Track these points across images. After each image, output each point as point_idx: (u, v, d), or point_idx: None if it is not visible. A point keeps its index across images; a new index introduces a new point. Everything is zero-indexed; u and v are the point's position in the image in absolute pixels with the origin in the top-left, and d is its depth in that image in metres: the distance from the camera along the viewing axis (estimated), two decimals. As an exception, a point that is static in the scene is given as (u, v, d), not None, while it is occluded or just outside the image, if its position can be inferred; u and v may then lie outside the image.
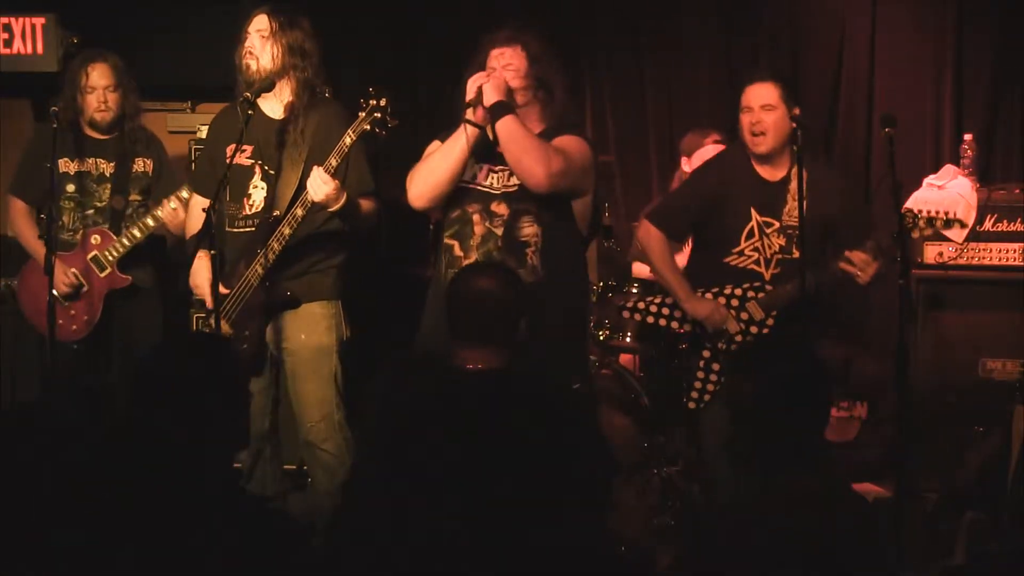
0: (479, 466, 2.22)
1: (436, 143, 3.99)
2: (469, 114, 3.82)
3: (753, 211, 4.23)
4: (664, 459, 5.02)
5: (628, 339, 5.21)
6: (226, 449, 2.55)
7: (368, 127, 3.95)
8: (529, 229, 3.85)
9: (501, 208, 3.86)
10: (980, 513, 4.29)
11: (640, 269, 5.27)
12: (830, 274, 4.14)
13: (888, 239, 4.11)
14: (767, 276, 4.23)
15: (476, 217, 3.88)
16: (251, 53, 4.18)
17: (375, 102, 3.94)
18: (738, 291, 4.23)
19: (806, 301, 4.08)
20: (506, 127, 3.78)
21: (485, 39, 3.97)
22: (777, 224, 4.21)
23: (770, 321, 4.20)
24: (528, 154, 3.77)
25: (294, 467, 4.80)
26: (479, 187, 3.90)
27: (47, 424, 2.36)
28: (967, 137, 5.30)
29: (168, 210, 4.63)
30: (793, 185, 4.15)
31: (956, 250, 5.10)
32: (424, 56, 6.13)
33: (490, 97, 3.79)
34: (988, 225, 5.11)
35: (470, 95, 3.81)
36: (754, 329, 4.21)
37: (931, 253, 5.12)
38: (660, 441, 5.08)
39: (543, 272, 3.83)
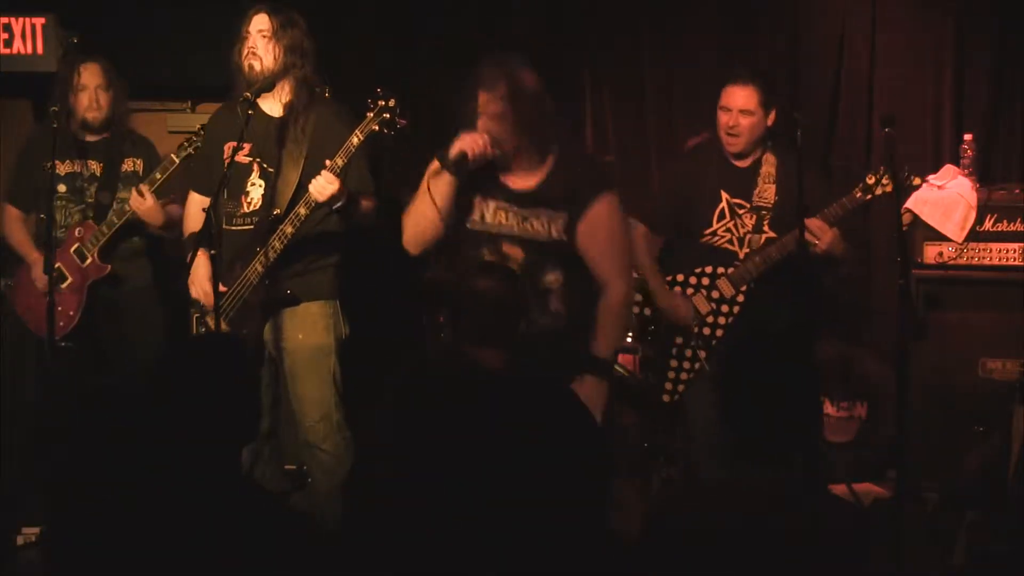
0: (483, 465, 2.22)
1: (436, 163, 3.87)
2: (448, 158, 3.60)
3: (723, 193, 4.35)
4: (664, 459, 5.01)
5: (628, 339, 5.20)
6: (236, 447, 2.56)
7: (376, 127, 3.96)
8: (551, 276, 3.72)
9: (515, 251, 3.72)
10: (980, 513, 4.29)
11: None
12: (797, 245, 4.13)
13: (838, 211, 4.23)
14: (741, 255, 4.34)
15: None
16: (254, 54, 4.18)
17: (383, 103, 3.94)
18: (708, 269, 4.35)
19: (776, 270, 4.23)
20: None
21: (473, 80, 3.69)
22: (748, 205, 4.34)
23: (740, 297, 4.30)
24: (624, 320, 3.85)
25: (294, 467, 4.79)
26: (485, 229, 3.75)
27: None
28: (967, 137, 5.29)
29: (135, 196, 4.59)
30: (764, 169, 4.33)
31: (956, 250, 5.11)
32: (424, 56, 6.12)
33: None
34: (988, 225, 5.11)
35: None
36: (724, 308, 4.28)
37: (931, 253, 5.12)
38: (660, 441, 5.08)
39: (565, 314, 3.72)
